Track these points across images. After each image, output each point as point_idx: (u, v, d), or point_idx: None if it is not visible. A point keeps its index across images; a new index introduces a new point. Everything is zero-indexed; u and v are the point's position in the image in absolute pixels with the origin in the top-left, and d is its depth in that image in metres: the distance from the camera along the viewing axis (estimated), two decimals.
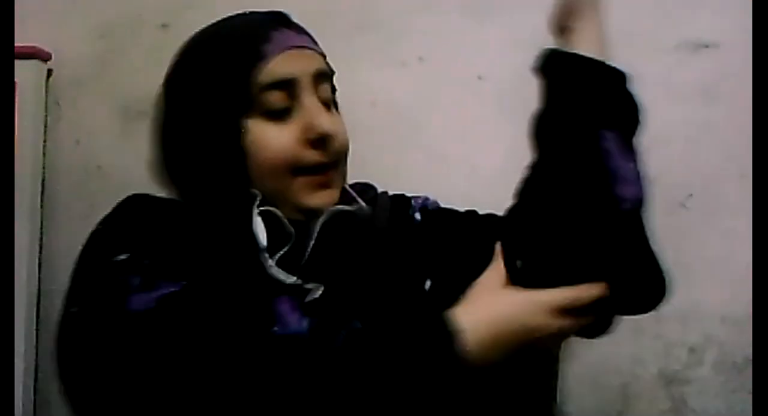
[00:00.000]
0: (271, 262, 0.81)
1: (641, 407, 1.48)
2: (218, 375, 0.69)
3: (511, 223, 0.84)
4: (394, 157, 1.52)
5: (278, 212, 0.84)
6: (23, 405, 1.54)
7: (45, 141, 1.64)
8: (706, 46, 1.50)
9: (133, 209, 0.84)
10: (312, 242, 0.84)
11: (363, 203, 0.91)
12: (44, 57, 1.62)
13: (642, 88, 0.83)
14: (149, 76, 1.61)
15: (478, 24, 1.54)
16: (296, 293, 0.80)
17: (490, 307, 0.76)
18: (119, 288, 0.73)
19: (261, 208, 0.83)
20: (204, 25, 0.90)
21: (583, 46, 0.83)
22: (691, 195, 1.49)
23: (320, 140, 0.84)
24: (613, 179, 0.78)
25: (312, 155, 0.84)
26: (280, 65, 0.84)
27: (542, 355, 0.84)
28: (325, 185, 0.86)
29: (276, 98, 0.84)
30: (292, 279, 0.81)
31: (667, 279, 0.82)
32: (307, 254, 0.84)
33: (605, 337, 0.82)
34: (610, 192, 0.78)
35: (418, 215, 0.94)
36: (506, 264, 0.80)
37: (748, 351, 1.44)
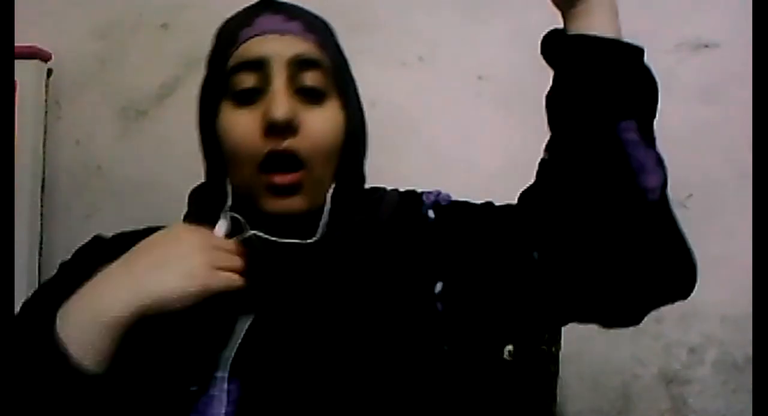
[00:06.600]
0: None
1: (641, 407, 1.48)
2: None
3: (528, 212, 0.79)
4: (394, 157, 1.52)
5: (242, 219, 0.80)
6: None
7: (45, 141, 1.63)
8: (706, 46, 1.50)
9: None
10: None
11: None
12: (44, 57, 1.62)
13: None
14: (149, 76, 1.65)
15: (478, 24, 1.54)
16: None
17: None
18: None
19: (230, 213, 0.81)
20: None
21: (594, 18, 0.78)
22: (691, 195, 1.48)
23: (271, 128, 0.78)
24: (636, 172, 0.75)
25: (266, 145, 0.78)
26: (250, 47, 0.82)
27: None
28: (288, 191, 0.80)
29: (244, 79, 0.80)
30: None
31: (696, 261, 0.79)
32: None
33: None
34: (635, 185, 0.75)
35: (431, 213, 0.88)
36: (521, 255, 0.76)
37: (748, 350, 1.44)
